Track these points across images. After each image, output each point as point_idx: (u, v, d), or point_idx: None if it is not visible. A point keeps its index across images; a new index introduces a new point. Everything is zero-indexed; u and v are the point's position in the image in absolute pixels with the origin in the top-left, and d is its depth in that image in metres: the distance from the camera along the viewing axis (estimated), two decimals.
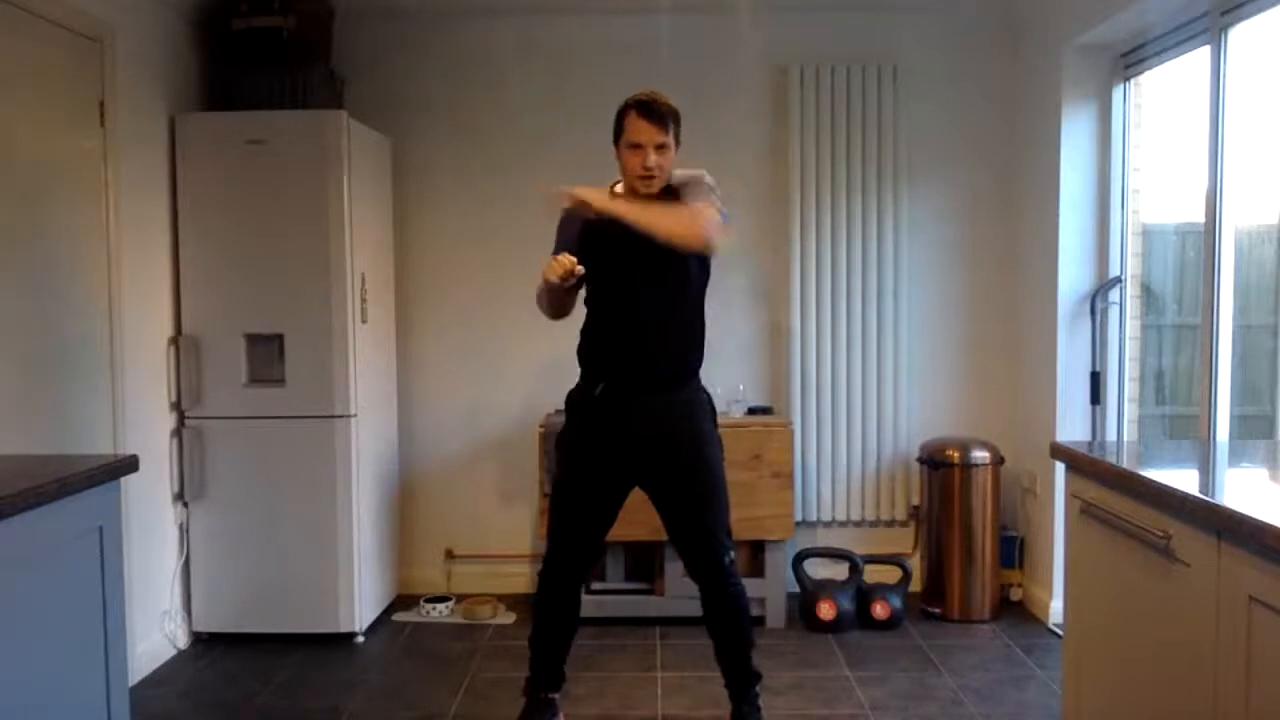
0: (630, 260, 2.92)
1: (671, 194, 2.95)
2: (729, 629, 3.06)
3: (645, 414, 2.97)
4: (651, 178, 2.88)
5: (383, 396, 4.34)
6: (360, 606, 4.00)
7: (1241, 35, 3.29)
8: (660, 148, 2.86)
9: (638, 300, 2.96)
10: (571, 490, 3.04)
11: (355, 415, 3.96)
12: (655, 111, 2.85)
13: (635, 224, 2.79)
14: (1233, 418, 3.40)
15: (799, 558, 4.29)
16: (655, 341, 2.97)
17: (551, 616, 3.10)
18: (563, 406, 3.14)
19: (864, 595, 4.18)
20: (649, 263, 2.91)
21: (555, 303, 2.99)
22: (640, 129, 2.85)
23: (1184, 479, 2.12)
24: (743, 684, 3.09)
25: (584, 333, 3.08)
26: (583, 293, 3.04)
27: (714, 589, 3.03)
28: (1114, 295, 4.09)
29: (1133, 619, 2.10)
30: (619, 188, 2.98)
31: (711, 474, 3.01)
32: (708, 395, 3.09)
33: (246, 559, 3.96)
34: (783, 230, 4.49)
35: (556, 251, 2.92)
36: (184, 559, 3.96)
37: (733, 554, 3.04)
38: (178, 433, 3.93)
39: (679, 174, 2.99)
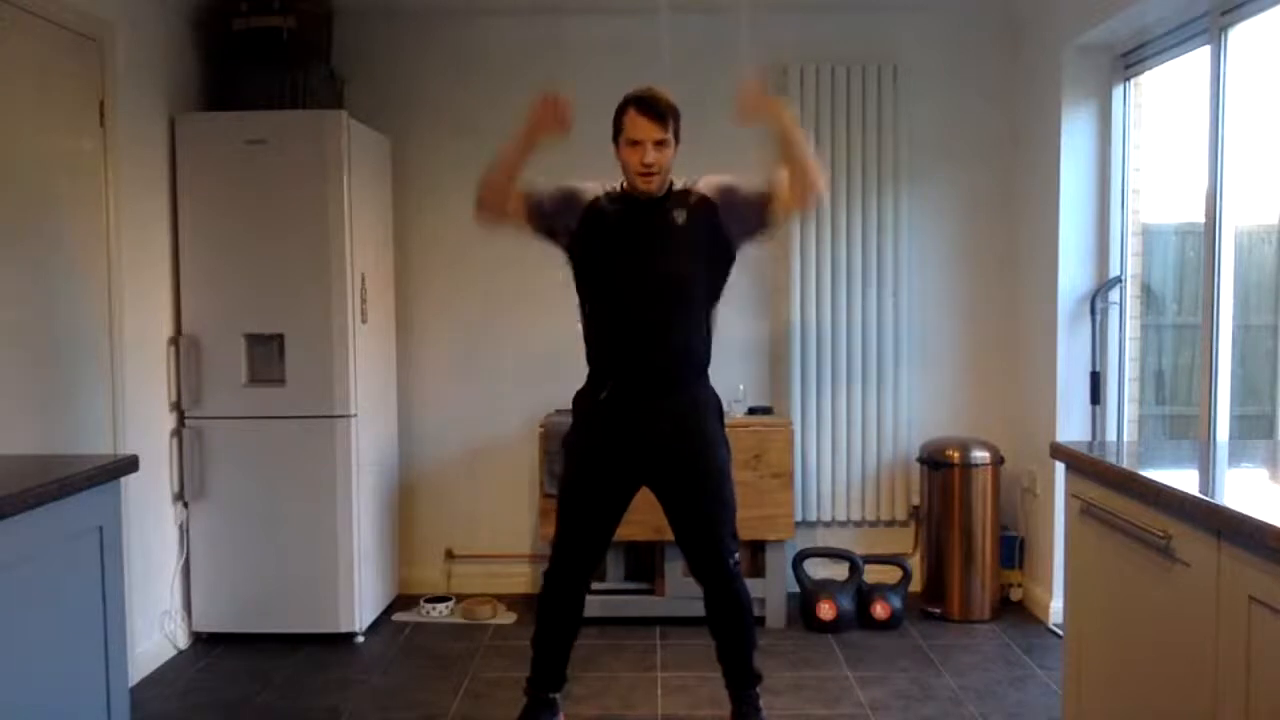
0: (633, 253, 2.91)
1: (687, 196, 2.94)
2: (732, 630, 3.06)
3: (652, 416, 2.95)
4: (651, 174, 2.86)
5: (383, 396, 4.34)
6: (360, 606, 4.00)
7: (1241, 35, 3.29)
8: (659, 144, 2.84)
9: (640, 296, 2.92)
10: (577, 492, 3.02)
11: (355, 415, 3.96)
12: (654, 108, 2.84)
13: (793, 136, 2.81)
14: (1233, 418, 3.40)
15: (799, 558, 4.29)
16: (660, 338, 2.93)
17: (555, 617, 3.09)
18: (564, 406, 3.13)
19: (864, 595, 4.18)
20: (651, 256, 2.90)
21: (506, 171, 2.87)
22: (639, 125, 2.83)
23: (1184, 479, 2.12)
24: (743, 684, 3.09)
25: (586, 331, 3.05)
26: (571, 280, 3.03)
27: (718, 591, 3.03)
28: (1114, 295, 4.09)
29: (1133, 619, 2.10)
30: (625, 185, 2.96)
31: (718, 477, 2.99)
32: (715, 395, 3.06)
33: (246, 559, 3.96)
34: (782, 230, 4.48)
35: (553, 185, 2.94)
36: (184, 559, 3.96)
37: (737, 556, 3.03)
38: (178, 433, 3.93)
39: (709, 180, 2.98)
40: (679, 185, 2.98)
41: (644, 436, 2.95)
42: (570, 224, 2.95)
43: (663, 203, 2.93)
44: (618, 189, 2.98)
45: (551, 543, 3.12)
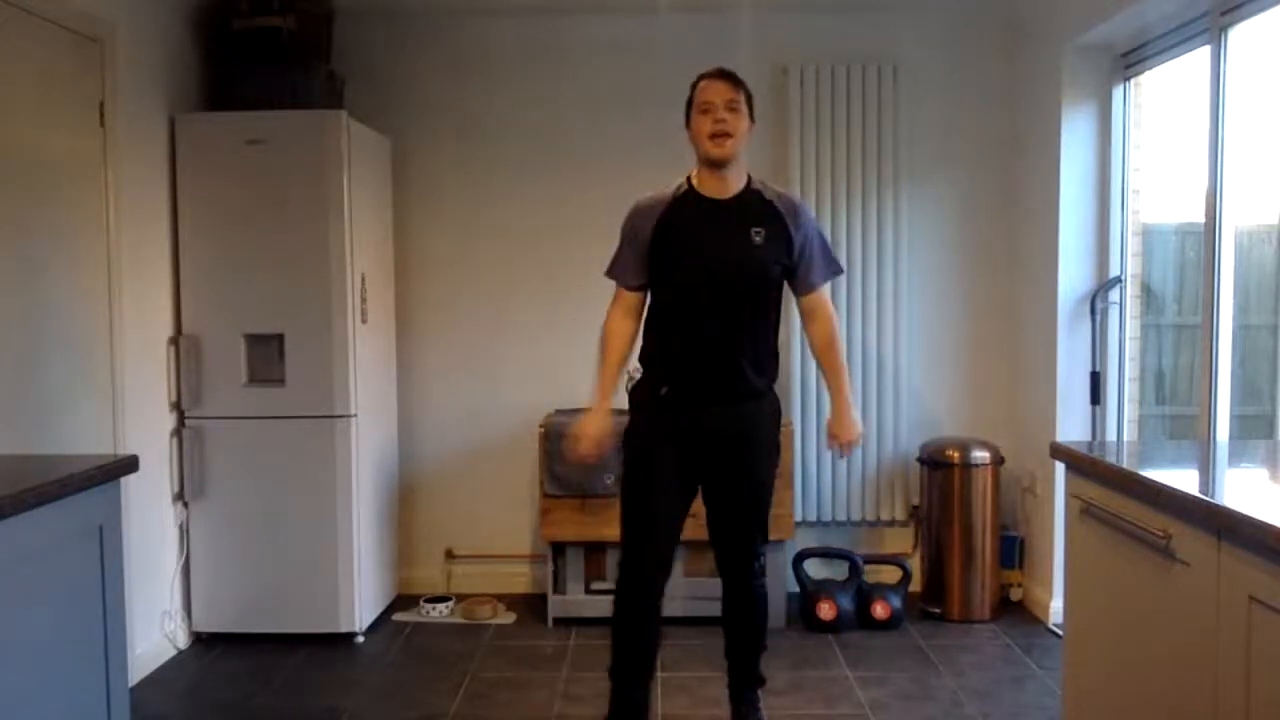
0: (706, 264, 2.82)
1: (763, 202, 2.86)
2: (745, 628, 3.06)
3: (714, 415, 2.88)
4: (725, 136, 2.74)
5: (383, 396, 4.34)
6: (360, 606, 4.00)
7: (1241, 35, 3.29)
8: (731, 105, 2.76)
9: (712, 307, 2.83)
10: (647, 489, 2.90)
11: (355, 415, 3.96)
12: (725, 74, 2.81)
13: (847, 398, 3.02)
14: (1233, 418, 3.40)
15: (799, 558, 4.29)
16: (729, 354, 2.84)
17: (635, 638, 2.93)
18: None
19: (864, 595, 4.18)
20: (726, 267, 2.81)
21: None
22: (710, 88, 2.77)
23: (1184, 479, 2.12)
24: (746, 685, 3.09)
25: (649, 333, 2.96)
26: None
27: (740, 588, 3.03)
28: (1114, 295, 4.09)
29: (1133, 619, 2.10)
30: (695, 179, 2.87)
31: (764, 488, 2.98)
32: (776, 400, 2.99)
33: (246, 559, 3.96)
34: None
35: (622, 252, 2.92)
36: (184, 559, 3.96)
37: (764, 559, 3.04)
38: (178, 433, 3.93)
39: (777, 189, 2.92)
40: (755, 184, 2.88)
41: (705, 430, 2.88)
42: (646, 245, 2.88)
43: (738, 209, 2.84)
44: (685, 186, 2.87)
45: (620, 552, 2.96)
